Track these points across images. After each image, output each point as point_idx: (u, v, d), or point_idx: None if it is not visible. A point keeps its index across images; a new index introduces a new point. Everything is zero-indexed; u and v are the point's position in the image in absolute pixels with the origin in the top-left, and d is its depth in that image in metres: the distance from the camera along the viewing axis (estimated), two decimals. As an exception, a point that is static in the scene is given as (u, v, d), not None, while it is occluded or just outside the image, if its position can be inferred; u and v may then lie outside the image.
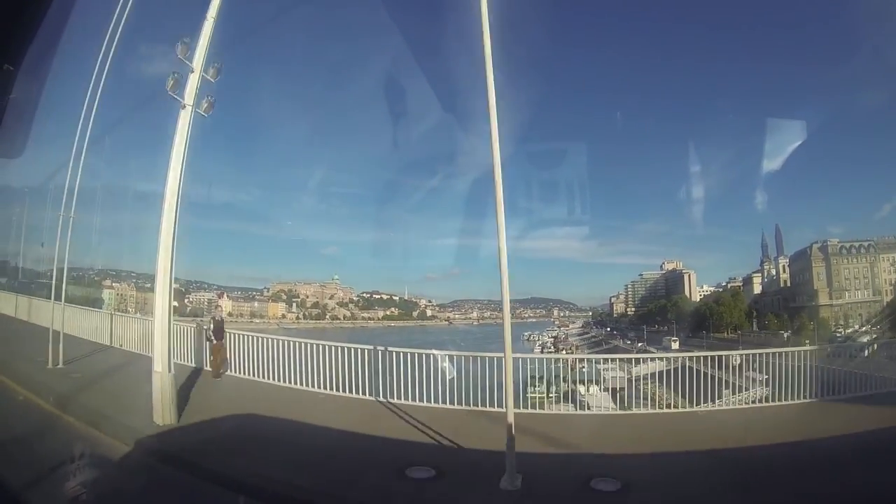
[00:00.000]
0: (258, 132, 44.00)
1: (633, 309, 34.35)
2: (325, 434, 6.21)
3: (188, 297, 33.18)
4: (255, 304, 36.23)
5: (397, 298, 40.13)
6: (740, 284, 30.50)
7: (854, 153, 31.39)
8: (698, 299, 32.13)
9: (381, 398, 7.84)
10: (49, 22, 2.35)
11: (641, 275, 35.17)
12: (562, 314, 39.85)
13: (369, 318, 39.19)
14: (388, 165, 42.63)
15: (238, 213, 40.81)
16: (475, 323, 38.98)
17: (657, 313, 30.61)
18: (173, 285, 7.10)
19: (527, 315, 39.08)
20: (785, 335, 23.28)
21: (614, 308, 39.24)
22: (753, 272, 29.84)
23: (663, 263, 34.41)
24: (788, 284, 27.26)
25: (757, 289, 29.56)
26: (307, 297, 38.80)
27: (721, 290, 32.19)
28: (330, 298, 39.50)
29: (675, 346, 25.99)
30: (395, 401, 7.66)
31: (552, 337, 33.62)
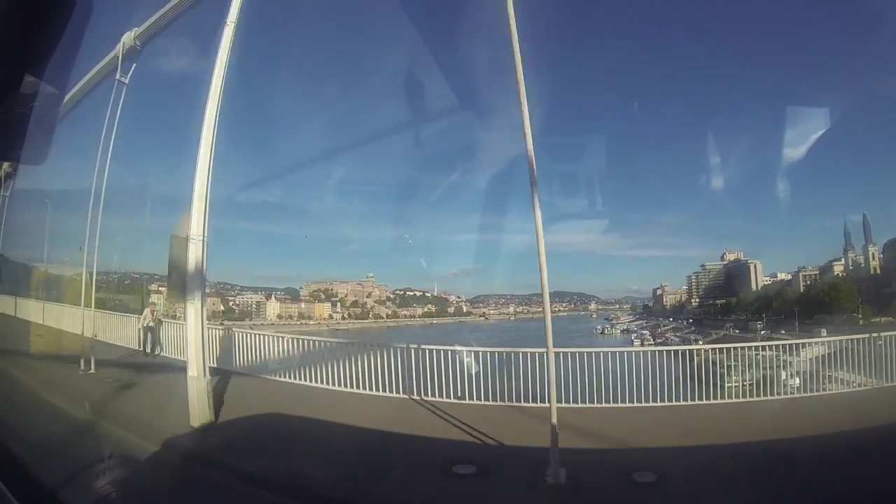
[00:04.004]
0: (277, 132, 43.87)
1: (698, 300, 32.73)
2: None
3: (234, 301, 33.31)
4: (302, 304, 36.23)
5: (429, 295, 39.56)
6: (817, 273, 28.71)
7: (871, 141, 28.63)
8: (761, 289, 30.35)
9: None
10: (70, 31, 2.35)
11: (704, 266, 33.82)
12: (598, 307, 38.50)
13: (410, 316, 38.78)
14: (410, 163, 41.50)
15: (261, 212, 40.80)
16: (511, 318, 37.83)
17: (753, 302, 29.04)
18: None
19: (557, 309, 37.96)
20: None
21: (664, 299, 37.61)
22: (833, 260, 28.37)
23: (724, 254, 32.94)
24: (879, 272, 25.97)
25: (839, 277, 27.79)
26: (346, 295, 38.58)
27: (774, 279, 30.48)
28: (367, 297, 39.23)
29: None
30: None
31: (645, 329, 32.56)
